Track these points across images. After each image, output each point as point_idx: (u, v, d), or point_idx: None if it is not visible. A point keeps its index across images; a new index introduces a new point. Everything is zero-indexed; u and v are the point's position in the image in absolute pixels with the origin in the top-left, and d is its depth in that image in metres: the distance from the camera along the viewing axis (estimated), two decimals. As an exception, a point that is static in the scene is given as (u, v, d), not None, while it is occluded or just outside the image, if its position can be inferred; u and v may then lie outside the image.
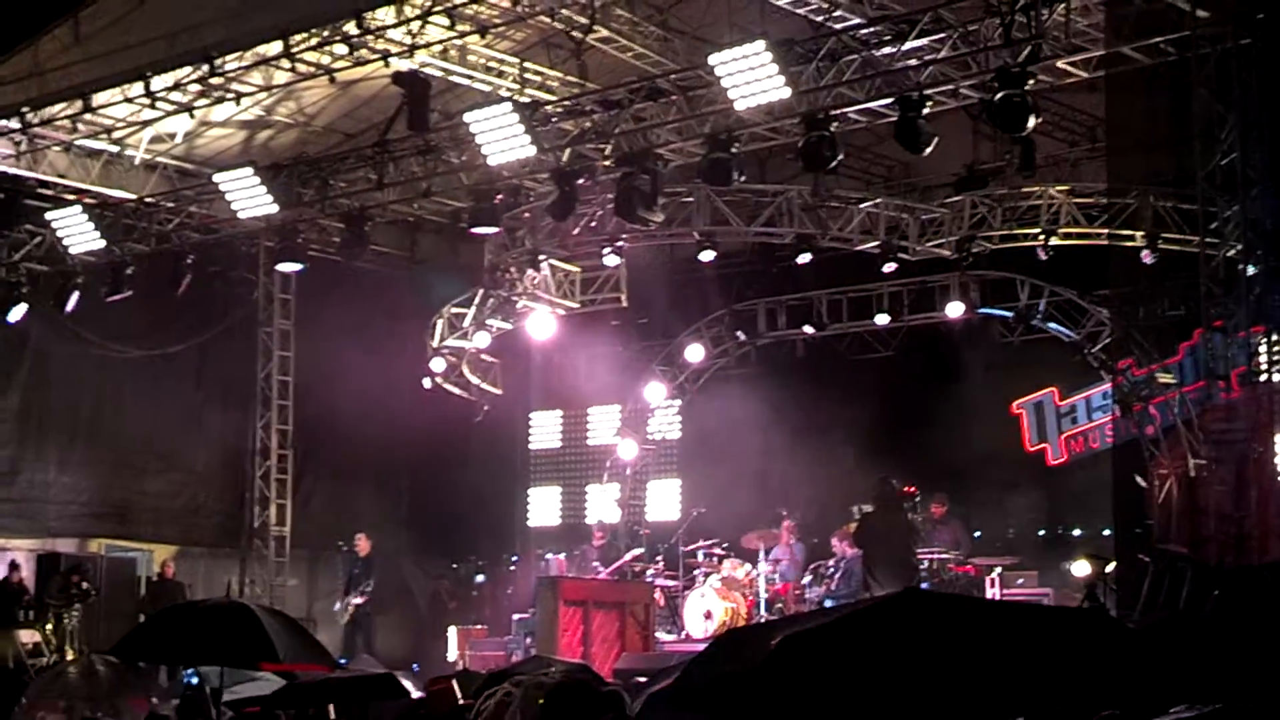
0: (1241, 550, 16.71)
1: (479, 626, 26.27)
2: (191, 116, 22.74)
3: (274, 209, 22.84)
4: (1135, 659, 8.09)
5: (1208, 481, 17.63)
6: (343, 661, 20.74)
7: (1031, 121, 17.57)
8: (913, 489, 22.99)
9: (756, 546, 24.05)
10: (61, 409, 26.82)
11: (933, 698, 7.47)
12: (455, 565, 29.03)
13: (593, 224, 23.35)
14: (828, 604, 23.13)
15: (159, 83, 21.65)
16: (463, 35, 20.35)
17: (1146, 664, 8.18)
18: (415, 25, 19.96)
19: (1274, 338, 17.63)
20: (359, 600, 24.77)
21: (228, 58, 21.12)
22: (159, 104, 22.04)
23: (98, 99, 22.35)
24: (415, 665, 24.05)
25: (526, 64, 21.97)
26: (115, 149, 24.43)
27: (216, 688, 14.89)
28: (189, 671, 16.50)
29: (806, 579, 23.78)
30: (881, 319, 25.37)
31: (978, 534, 24.66)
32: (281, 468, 27.83)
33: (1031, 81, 17.51)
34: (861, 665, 7.61)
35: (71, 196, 24.65)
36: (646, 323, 28.35)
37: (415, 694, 14.44)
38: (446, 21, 19.88)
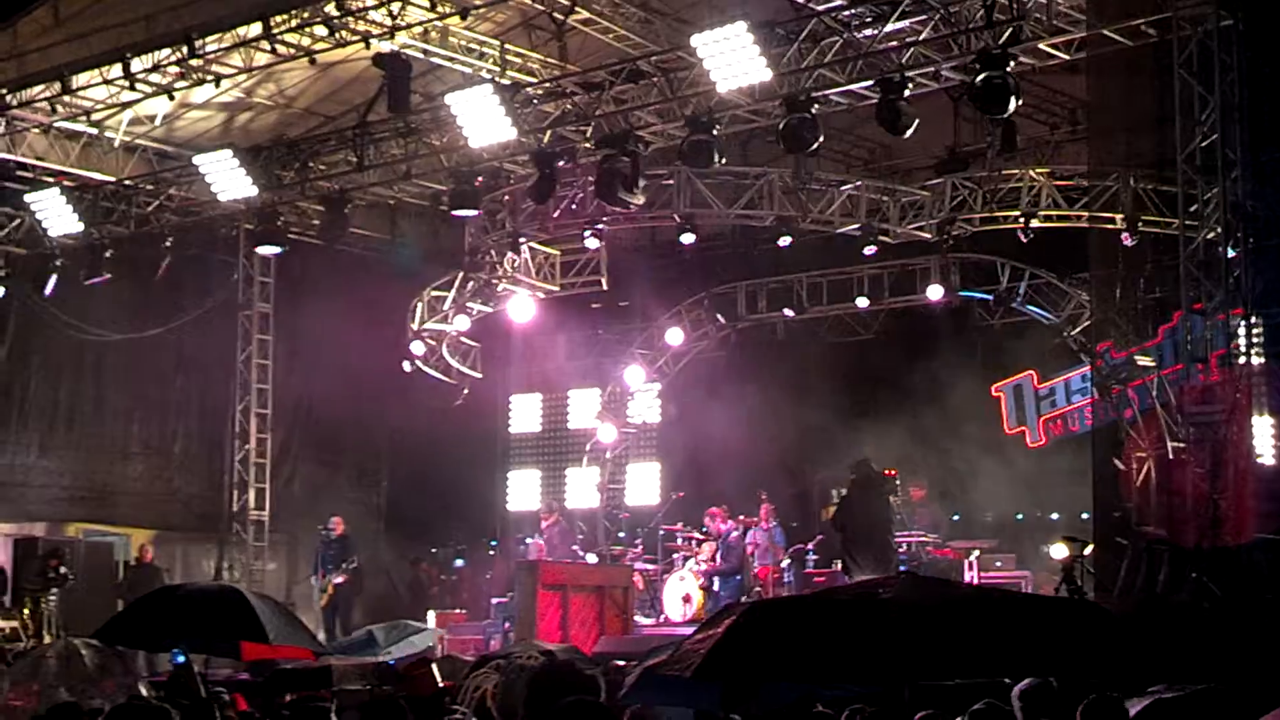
0: (1218, 532, 16.75)
1: (458, 610, 26.26)
2: (171, 98, 22.64)
3: (254, 191, 22.83)
4: (1114, 642, 8.13)
5: (1185, 464, 17.65)
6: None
7: (1013, 104, 17.62)
8: (892, 472, 23.05)
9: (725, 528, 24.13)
10: (40, 392, 26.70)
11: (899, 668, 7.52)
12: (434, 549, 28.99)
13: (573, 206, 23.35)
14: (715, 582, 23.36)
15: (138, 64, 21.59)
16: (443, 17, 20.30)
17: (1125, 646, 8.22)
18: (396, 6, 19.93)
19: (1253, 320, 17.65)
20: (340, 580, 24.71)
21: (207, 39, 21.06)
22: (138, 86, 21.98)
23: (77, 81, 22.28)
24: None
25: (507, 46, 21.92)
26: (94, 131, 24.32)
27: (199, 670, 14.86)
28: (175, 650, 16.46)
29: (785, 562, 23.85)
30: (862, 302, 25.40)
31: (956, 516, 24.75)
32: (260, 451, 27.72)
33: (1013, 63, 17.56)
34: (826, 636, 7.67)
35: (50, 179, 24.56)
36: (627, 306, 28.35)
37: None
38: (427, 3, 19.86)
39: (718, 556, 23.76)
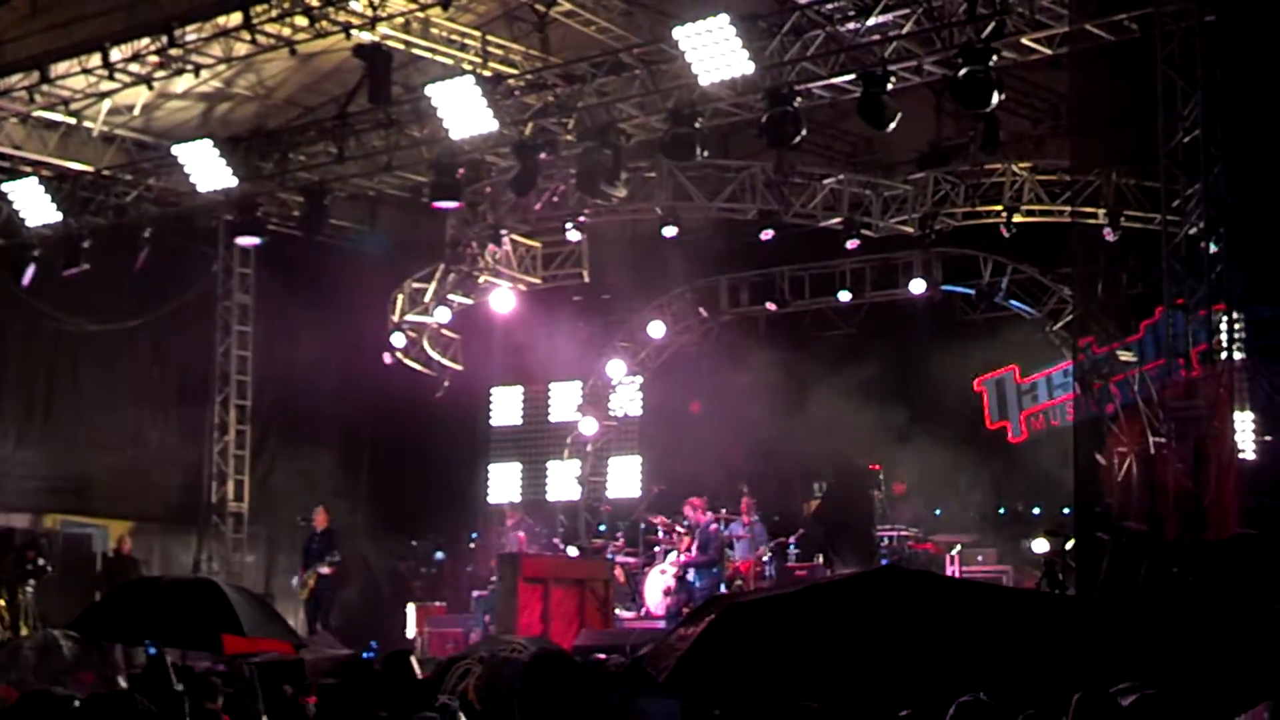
0: (1200, 527, 16.74)
1: (438, 604, 26.18)
2: (150, 88, 22.55)
3: (233, 182, 22.74)
4: (1095, 637, 8.10)
5: (1167, 459, 17.64)
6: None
7: (995, 98, 17.60)
8: (876, 466, 23.00)
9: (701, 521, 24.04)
10: (18, 383, 26.56)
11: (879, 671, 7.47)
12: (415, 542, 28.91)
13: (555, 199, 23.30)
14: (690, 573, 23.27)
15: (117, 54, 21.50)
16: (424, 8, 20.27)
17: (1106, 641, 8.19)
18: (377, -3, 19.87)
19: (1234, 315, 17.65)
20: (325, 570, 24.56)
21: (187, 29, 20.99)
22: (117, 75, 21.87)
23: (55, 70, 22.17)
24: (373, 642, 23.93)
25: (489, 37, 21.87)
26: (73, 121, 24.15)
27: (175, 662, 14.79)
28: (148, 643, 16.42)
29: (766, 556, 23.81)
30: (844, 295, 25.36)
31: (938, 511, 24.72)
32: (240, 443, 27.63)
33: (995, 58, 17.53)
34: (806, 635, 7.63)
35: (28, 169, 24.43)
36: (608, 299, 28.27)
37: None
38: (408, -7, 19.81)
39: (694, 548, 23.66)
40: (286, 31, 20.71)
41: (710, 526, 23.66)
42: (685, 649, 7.46)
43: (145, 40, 21.30)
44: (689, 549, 23.67)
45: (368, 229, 27.79)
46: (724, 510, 24.14)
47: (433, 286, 25.50)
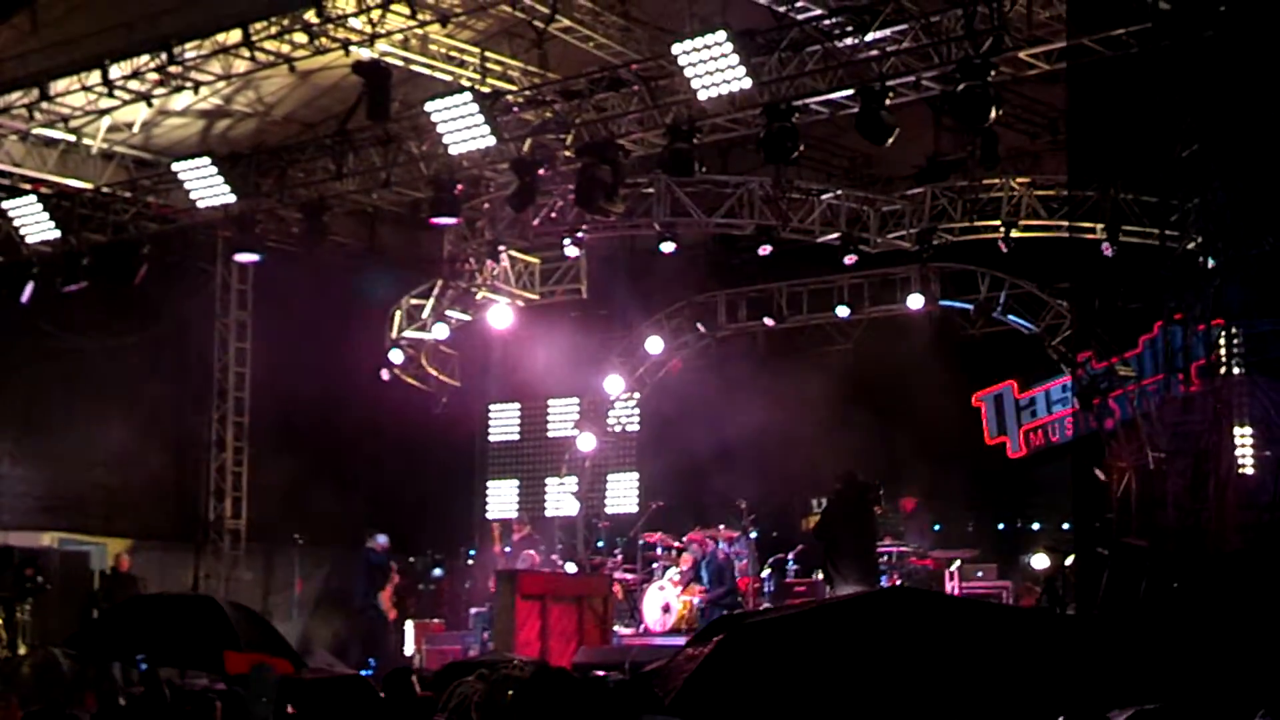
0: (1200, 543, 16.73)
1: (436, 621, 26.16)
2: (149, 105, 22.58)
3: (232, 199, 22.71)
4: (1093, 655, 8.09)
5: (1166, 474, 17.64)
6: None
7: (993, 113, 17.58)
8: (875, 482, 22.94)
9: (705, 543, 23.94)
10: (15, 400, 26.51)
11: (888, 692, 7.45)
12: (412, 559, 28.87)
13: (553, 215, 23.31)
14: (708, 610, 23.09)
15: (117, 71, 21.53)
16: (423, 24, 20.30)
17: (1104, 659, 8.17)
18: (376, 14, 19.91)
19: (1233, 330, 17.64)
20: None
21: (186, 46, 21.02)
22: (117, 92, 21.90)
23: (55, 87, 22.21)
24: (371, 660, 23.91)
25: (487, 53, 21.92)
26: (72, 138, 24.20)
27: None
28: (139, 659, 16.38)
29: (765, 572, 23.78)
30: (842, 311, 25.36)
31: (937, 526, 24.71)
32: (237, 460, 27.60)
33: (993, 73, 17.53)
34: (815, 656, 7.60)
35: (27, 186, 24.42)
36: (606, 314, 28.27)
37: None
38: (407, 10, 19.84)
39: (704, 576, 23.43)
40: (286, 48, 20.74)
41: (719, 555, 23.53)
42: (693, 669, 7.44)
43: (145, 58, 21.33)
44: (694, 573, 23.48)
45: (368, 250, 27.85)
46: (722, 527, 24.10)
47: (430, 303, 25.49)
